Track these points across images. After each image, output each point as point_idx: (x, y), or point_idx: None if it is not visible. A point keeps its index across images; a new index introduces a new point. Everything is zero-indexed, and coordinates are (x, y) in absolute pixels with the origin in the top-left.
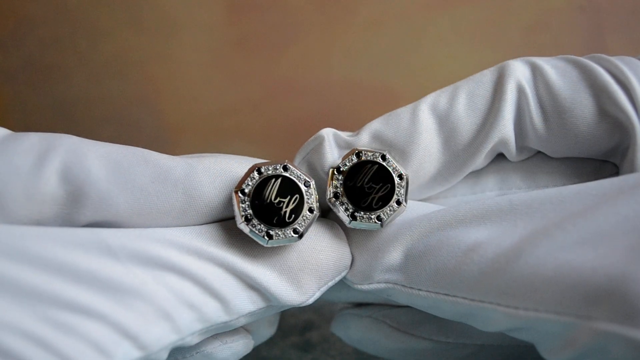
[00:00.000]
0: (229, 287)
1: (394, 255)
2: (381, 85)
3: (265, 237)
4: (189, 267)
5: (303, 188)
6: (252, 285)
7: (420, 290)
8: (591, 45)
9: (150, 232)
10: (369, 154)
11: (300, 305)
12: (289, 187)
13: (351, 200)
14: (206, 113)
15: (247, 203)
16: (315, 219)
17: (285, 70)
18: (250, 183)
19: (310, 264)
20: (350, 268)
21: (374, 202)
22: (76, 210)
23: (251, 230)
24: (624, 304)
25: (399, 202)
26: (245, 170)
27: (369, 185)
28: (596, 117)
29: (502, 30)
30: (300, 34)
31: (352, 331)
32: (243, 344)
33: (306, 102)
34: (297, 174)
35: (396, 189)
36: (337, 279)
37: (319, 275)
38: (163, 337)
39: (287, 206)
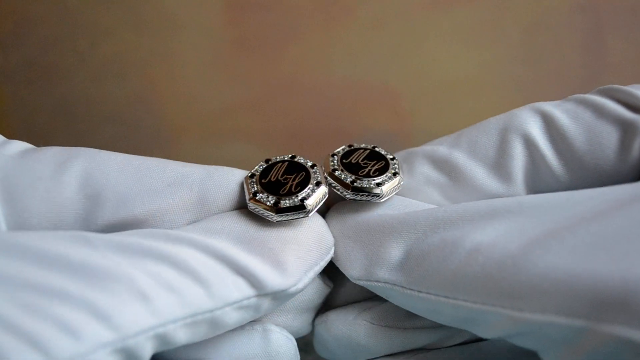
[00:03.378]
0: (211, 271)
1: (395, 252)
2: (381, 85)
3: (273, 208)
4: (168, 251)
5: (309, 169)
6: (237, 271)
7: (420, 292)
8: (591, 45)
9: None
10: (361, 144)
11: (290, 291)
12: (295, 168)
13: (349, 171)
14: (206, 113)
15: (254, 181)
16: (325, 197)
17: (285, 70)
18: (258, 168)
19: (290, 244)
20: (350, 263)
21: (371, 171)
22: (94, 214)
23: (259, 203)
24: None
25: (395, 174)
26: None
27: (364, 162)
28: (619, 155)
29: (502, 30)
30: (300, 33)
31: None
32: None
33: (306, 102)
34: (303, 160)
35: (391, 163)
36: (323, 263)
37: (302, 255)
38: (139, 319)
39: (293, 180)
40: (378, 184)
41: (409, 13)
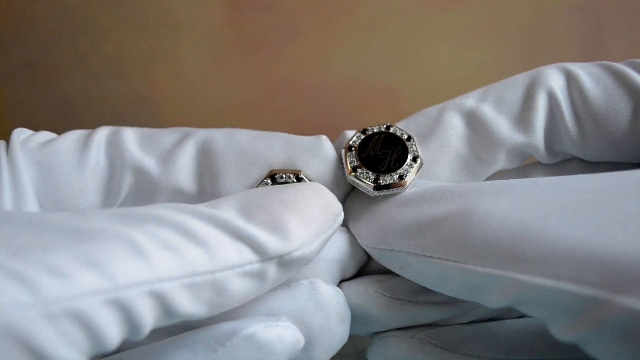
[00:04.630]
0: (211, 235)
1: (410, 221)
2: (381, 85)
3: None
4: (167, 216)
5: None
6: (237, 236)
7: (431, 257)
8: (591, 45)
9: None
10: (374, 127)
11: (295, 256)
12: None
13: (369, 168)
14: (206, 113)
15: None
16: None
17: (285, 70)
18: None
19: (292, 209)
20: (367, 232)
21: (391, 163)
22: (119, 179)
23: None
24: None
25: (415, 159)
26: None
27: (382, 152)
28: (631, 124)
29: (501, 30)
30: (300, 34)
31: (394, 354)
32: (291, 333)
33: (306, 102)
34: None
35: (409, 147)
36: (330, 231)
37: (304, 220)
38: (133, 270)
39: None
40: (400, 177)
41: (409, 13)
